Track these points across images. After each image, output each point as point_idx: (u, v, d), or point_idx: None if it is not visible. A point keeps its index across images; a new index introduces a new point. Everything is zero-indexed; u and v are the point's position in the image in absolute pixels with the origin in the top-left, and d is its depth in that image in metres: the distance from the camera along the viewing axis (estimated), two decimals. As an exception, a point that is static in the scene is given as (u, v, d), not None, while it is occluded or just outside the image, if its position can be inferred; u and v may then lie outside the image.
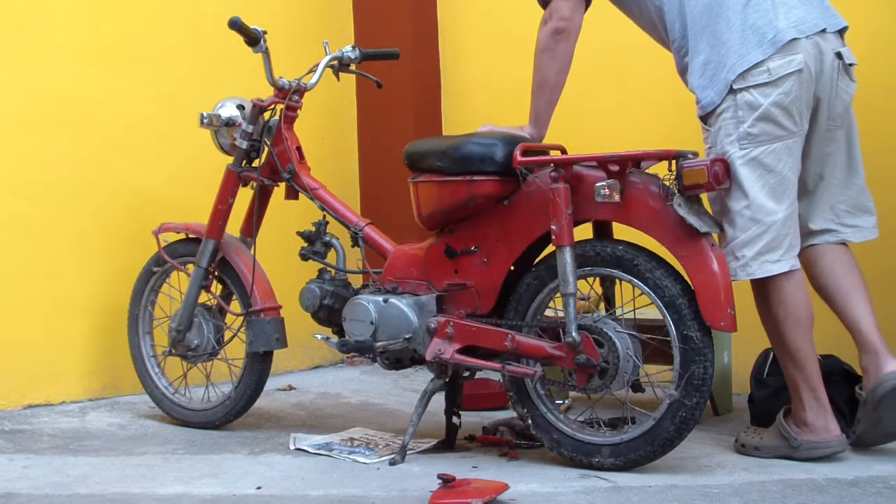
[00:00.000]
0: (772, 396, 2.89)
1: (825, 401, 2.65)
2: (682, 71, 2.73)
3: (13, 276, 3.37)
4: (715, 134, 2.63)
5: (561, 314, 2.58)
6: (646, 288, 2.53)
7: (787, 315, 2.61)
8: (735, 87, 2.58)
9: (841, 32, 2.70)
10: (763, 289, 2.64)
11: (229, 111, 3.14)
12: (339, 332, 2.95)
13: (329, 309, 2.94)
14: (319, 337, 2.95)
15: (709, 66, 2.62)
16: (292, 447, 2.90)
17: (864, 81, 3.33)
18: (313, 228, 3.02)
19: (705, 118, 2.66)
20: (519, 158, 2.63)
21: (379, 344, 2.79)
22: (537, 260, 2.73)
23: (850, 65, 2.69)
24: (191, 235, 3.23)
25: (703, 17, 2.63)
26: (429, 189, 2.78)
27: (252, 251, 3.12)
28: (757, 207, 2.57)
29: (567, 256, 2.54)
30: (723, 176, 2.50)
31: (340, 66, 3.17)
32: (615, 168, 2.53)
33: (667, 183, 2.51)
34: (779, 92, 2.56)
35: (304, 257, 3.02)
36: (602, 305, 2.84)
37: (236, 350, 3.22)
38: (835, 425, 2.64)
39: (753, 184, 2.57)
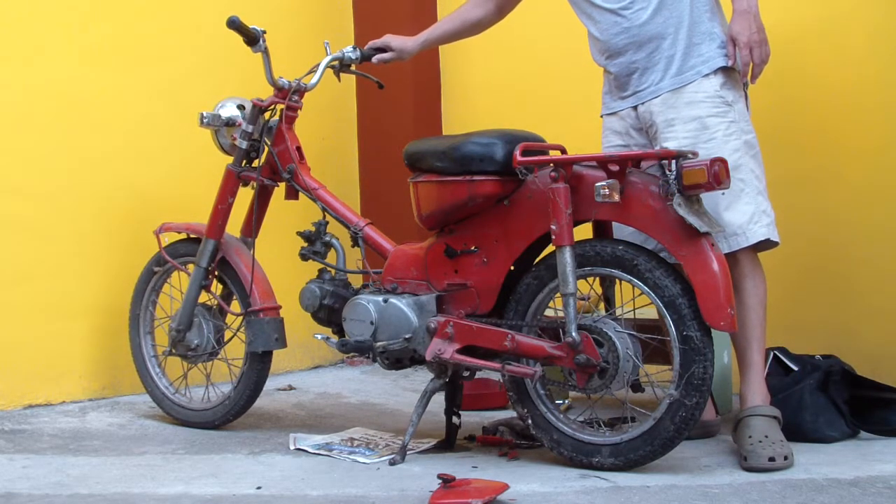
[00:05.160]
0: (771, 396, 2.89)
1: None
2: None
3: (13, 276, 3.37)
4: None
5: (561, 314, 2.58)
6: (645, 288, 2.53)
7: None
8: None
9: None
10: None
11: (229, 111, 3.14)
12: (339, 332, 2.95)
13: (329, 309, 2.94)
14: (319, 337, 2.95)
15: None
16: (292, 447, 2.90)
17: (863, 81, 3.34)
18: (313, 228, 3.02)
19: None
20: (518, 158, 2.63)
21: (379, 344, 2.79)
22: (537, 260, 2.73)
23: None
24: (192, 235, 3.23)
25: None
26: (429, 189, 2.78)
27: (252, 251, 3.12)
28: None
29: (567, 256, 2.54)
30: (723, 176, 2.49)
31: (341, 66, 3.17)
32: (615, 168, 2.53)
33: (666, 183, 2.50)
34: None
35: (304, 257, 3.03)
36: (602, 305, 2.84)
37: (236, 350, 3.22)
38: None
39: None
